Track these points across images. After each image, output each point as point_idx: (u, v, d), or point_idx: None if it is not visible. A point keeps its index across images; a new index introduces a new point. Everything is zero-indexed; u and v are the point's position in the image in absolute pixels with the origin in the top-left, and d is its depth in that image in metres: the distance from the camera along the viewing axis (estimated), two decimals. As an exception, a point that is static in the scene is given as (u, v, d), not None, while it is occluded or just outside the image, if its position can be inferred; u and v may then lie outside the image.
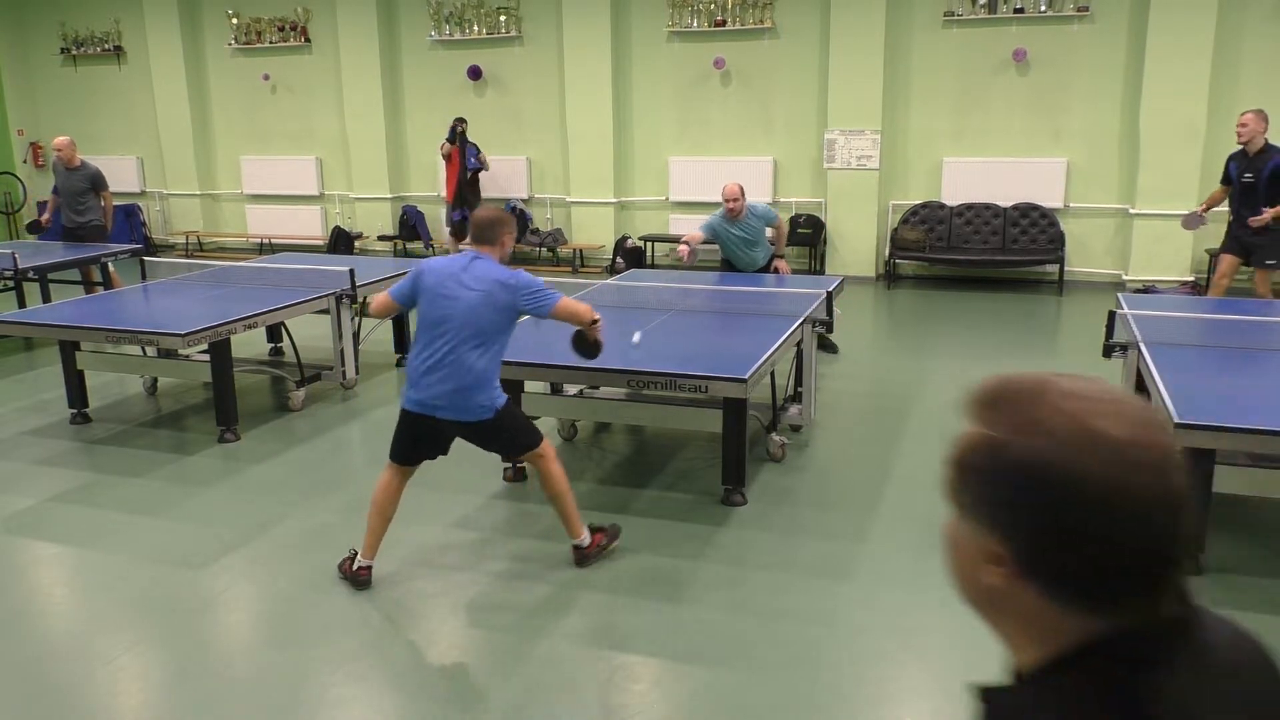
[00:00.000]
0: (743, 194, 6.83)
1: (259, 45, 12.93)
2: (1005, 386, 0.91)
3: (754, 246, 7.04)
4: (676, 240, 11.26)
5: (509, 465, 5.01)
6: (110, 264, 8.70)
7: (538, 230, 11.92)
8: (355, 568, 3.91)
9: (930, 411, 6.10)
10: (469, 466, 5.23)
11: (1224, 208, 7.71)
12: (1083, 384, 0.89)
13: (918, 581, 3.92)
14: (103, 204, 9.05)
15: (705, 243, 7.02)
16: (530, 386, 5.00)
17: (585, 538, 4.05)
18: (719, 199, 6.81)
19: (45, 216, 9.20)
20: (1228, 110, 9.54)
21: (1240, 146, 7.33)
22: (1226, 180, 7.51)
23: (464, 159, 11.33)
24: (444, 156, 11.42)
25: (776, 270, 7.16)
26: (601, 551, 4.09)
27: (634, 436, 5.75)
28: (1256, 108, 7.40)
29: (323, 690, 3.27)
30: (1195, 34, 9.38)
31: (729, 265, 7.23)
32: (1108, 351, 4.84)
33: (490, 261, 3.82)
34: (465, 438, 3.91)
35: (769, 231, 7.12)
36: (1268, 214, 7.11)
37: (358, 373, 6.77)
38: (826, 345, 7.33)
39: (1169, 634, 0.86)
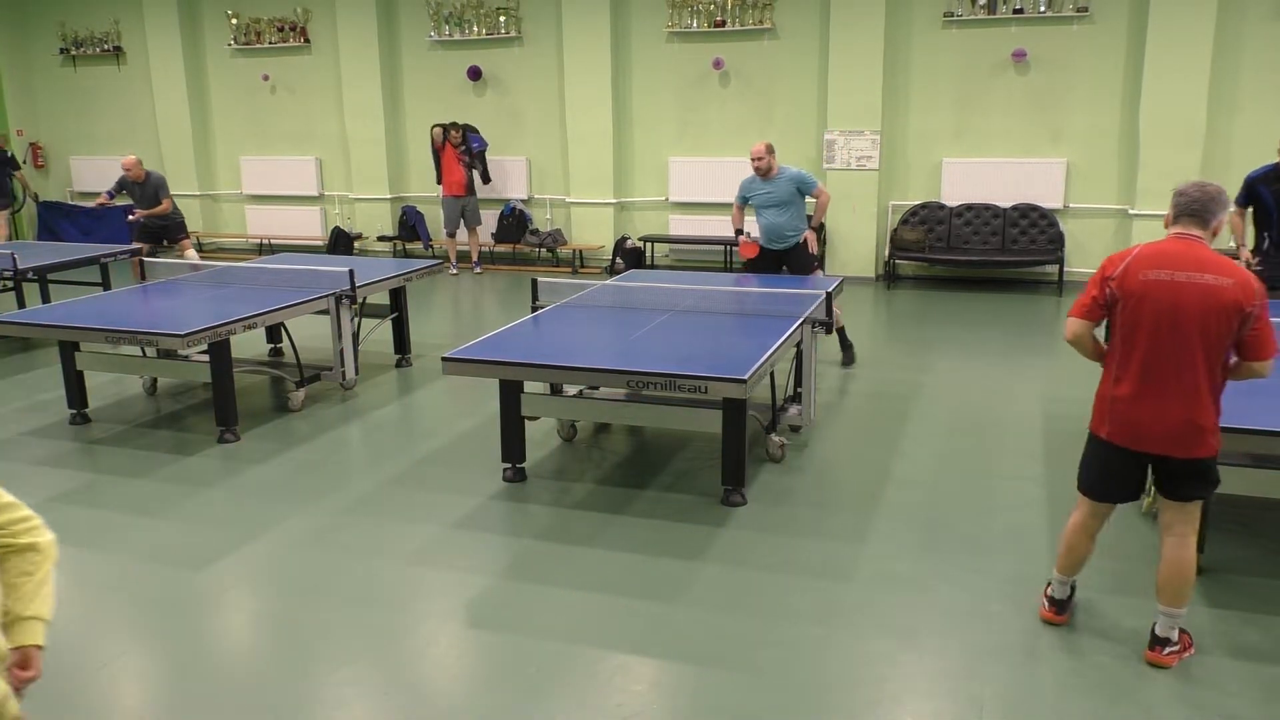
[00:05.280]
0: (769, 152, 6.88)
1: (259, 45, 12.94)
2: None
3: (783, 210, 6.97)
4: (676, 241, 11.40)
5: (508, 465, 5.01)
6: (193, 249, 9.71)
7: (537, 230, 11.93)
8: None
9: (930, 412, 6.11)
10: (469, 467, 5.24)
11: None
12: None
13: (918, 582, 3.93)
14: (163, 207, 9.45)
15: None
16: (530, 387, 4.99)
17: None
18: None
19: (137, 213, 9.59)
20: (1227, 111, 9.56)
21: (1274, 165, 6.36)
22: (1251, 204, 6.48)
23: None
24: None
25: (805, 243, 7.06)
26: None
27: (634, 437, 5.75)
28: None
29: (323, 690, 3.27)
30: (1195, 34, 9.38)
31: (757, 254, 7.19)
32: (1107, 352, 4.83)
33: None
34: None
35: (809, 203, 7.10)
36: None
37: (357, 373, 6.78)
38: (846, 349, 7.35)
39: None
